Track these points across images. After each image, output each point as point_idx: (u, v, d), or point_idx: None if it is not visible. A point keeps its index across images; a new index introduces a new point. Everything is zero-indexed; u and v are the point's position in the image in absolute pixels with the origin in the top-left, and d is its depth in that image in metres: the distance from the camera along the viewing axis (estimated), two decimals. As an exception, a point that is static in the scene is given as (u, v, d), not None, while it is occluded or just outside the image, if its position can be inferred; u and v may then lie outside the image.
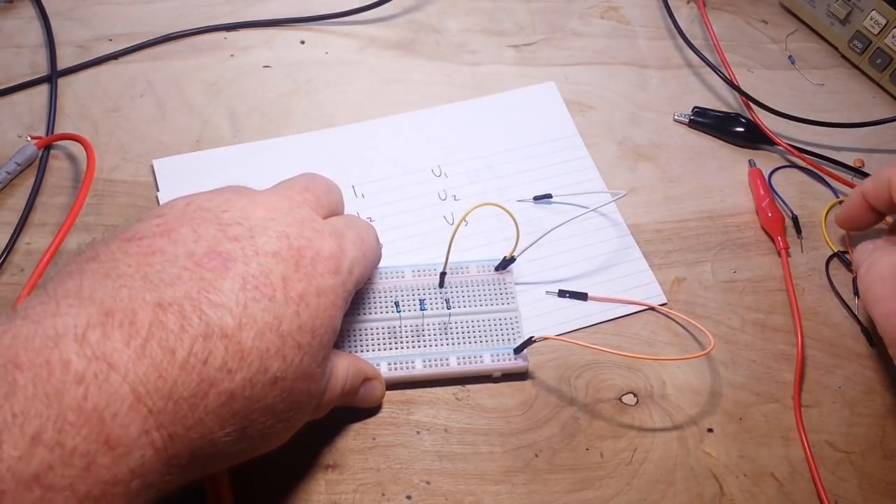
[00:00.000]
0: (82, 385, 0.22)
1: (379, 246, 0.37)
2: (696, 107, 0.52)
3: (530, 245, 0.41)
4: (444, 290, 0.40)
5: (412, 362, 0.38)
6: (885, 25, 0.52)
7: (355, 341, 0.38)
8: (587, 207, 0.45)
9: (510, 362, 0.39)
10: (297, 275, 0.28)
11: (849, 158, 0.51)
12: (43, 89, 0.48)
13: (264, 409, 0.27)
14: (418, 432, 0.38)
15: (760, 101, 0.51)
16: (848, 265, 0.46)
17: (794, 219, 0.47)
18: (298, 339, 0.28)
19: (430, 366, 0.38)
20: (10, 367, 0.21)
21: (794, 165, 0.50)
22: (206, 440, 0.25)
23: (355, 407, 0.37)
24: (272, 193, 0.32)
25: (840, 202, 0.48)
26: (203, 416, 0.24)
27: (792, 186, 0.49)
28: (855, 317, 0.43)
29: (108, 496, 0.22)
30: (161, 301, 0.25)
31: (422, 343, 0.39)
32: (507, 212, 0.39)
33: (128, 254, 0.26)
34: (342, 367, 0.33)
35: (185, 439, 0.24)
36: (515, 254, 0.40)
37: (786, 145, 0.50)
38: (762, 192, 0.47)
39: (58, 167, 0.45)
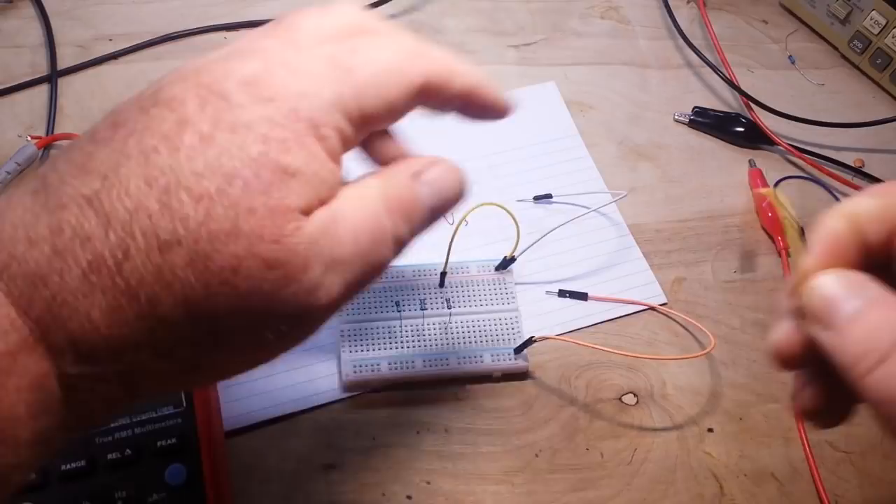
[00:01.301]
0: None
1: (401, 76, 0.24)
2: (696, 107, 0.52)
3: (530, 245, 0.41)
4: (444, 290, 0.40)
5: (412, 362, 0.38)
6: (885, 25, 0.52)
7: (356, 341, 0.38)
8: (588, 207, 0.45)
9: (510, 362, 0.39)
10: (201, 114, 0.21)
11: (849, 158, 0.51)
12: (43, 89, 0.48)
13: (161, 286, 0.20)
14: (418, 432, 0.38)
15: (760, 101, 0.51)
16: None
17: (801, 230, 0.46)
18: (194, 187, 0.20)
19: (431, 366, 0.38)
20: None
21: (799, 177, 0.50)
22: (81, 324, 0.20)
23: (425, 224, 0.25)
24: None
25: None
26: (67, 297, 0.19)
27: (792, 187, 0.49)
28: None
29: None
30: (34, 187, 0.21)
31: (422, 343, 0.39)
32: (508, 212, 0.39)
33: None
34: (355, 212, 0.23)
35: (53, 320, 0.20)
36: (515, 254, 0.40)
37: (786, 145, 0.50)
38: (762, 192, 0.47)
39: (58, 167, 0.45)
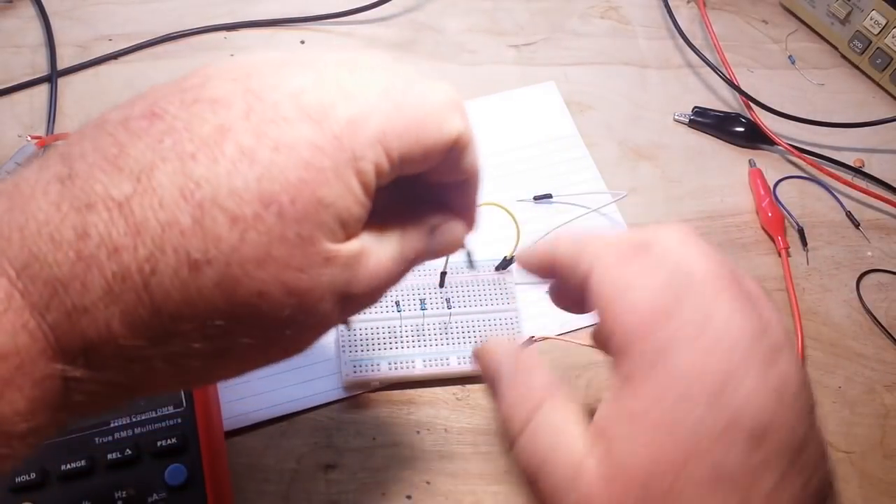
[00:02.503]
0: None
1: (446, 106, 0.24)
2: (696, 107, 0.52)
3: (531, 245, 0.41)
4: (444, 289, 0.40)
5: (412, 362, 0.38)
6: (885, 25, 0.52)
7: (356, 341, 0.38)
8: (588, 207, 0.45)
9: (510, 362, 0.39)
10: (245, 123, 0.20)
11: (849, 158, 0.51)
12: (43, 89, 0.48)
13: (186, 303, 0.20)
14: (418, 432, 0.38)
15: (760, 101, 0.51)
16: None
17: (800, 231, 0.47)
18: (231, 207, 0.19)
19: (431, 365, 0.38)
20: None
21: (799, 177, 0.50)
22: (99, 333, 0.20)
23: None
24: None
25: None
26: (87, 305, 0.19)
27: (792, 187, 0.49)
28: (869, 314, 0.43)
29: None
30: (60, 174, 0.20)
31: (422, 343, 0.39)
32: (508, 211, 0.39)
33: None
34: (383, 253, 0.24)
35: (70, 327, 0.20)
36: (515, 254, 0.40)
37: (786, 145, 0.50)
38: (762, 191, 0.47)
39: (58, 167, 0.45)
